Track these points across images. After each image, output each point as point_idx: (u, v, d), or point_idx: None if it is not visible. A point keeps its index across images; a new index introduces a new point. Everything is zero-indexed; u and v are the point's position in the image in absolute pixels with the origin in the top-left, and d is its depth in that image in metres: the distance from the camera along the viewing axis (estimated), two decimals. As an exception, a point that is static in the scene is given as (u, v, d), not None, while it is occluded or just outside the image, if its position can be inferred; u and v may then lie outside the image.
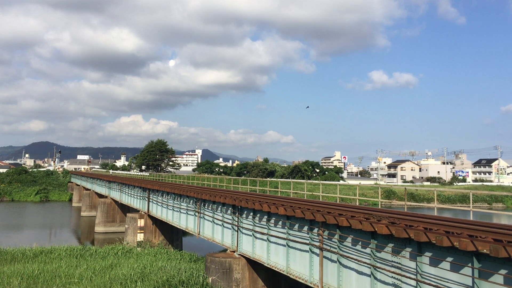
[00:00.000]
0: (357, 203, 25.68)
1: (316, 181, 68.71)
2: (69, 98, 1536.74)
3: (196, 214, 29.81)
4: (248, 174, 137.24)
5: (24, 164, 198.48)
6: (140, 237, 40.63)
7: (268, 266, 20.55)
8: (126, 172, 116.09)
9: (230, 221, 24.57)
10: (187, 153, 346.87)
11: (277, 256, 19.91)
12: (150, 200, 41.59)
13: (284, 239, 19.17)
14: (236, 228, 23.85)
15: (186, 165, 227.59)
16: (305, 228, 17.69)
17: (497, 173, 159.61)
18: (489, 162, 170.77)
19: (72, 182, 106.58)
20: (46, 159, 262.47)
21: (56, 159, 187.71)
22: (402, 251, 12.95)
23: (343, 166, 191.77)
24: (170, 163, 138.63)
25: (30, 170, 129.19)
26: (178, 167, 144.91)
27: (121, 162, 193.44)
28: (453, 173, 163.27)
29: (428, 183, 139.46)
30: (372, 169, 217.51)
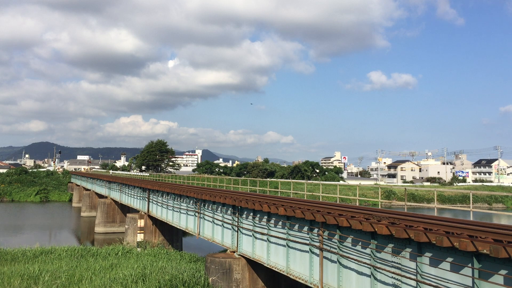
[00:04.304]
0: (357, 204, 25.73)
1: (316, 182, 68.74)
2: (68, 98, 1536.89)
3: (196, 214, 29.83)
4: (248, 175, 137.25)
5: (24, 164, 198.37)
6: (140, 237, 40.64)
7: (268, 266, 20.56)
8: (126, 173, 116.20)
9: (230, 222, 24.58)
10: (187, 153, 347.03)
11: (277, 257, 19.92)
12: (150, 200, 41.61)
13: (284, 239, 19.18)
14: (236, 229, 23.86)
15: (186, 165, 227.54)
16: (305, 228, 17.70)
17: (497, 174, 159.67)
18: (489, 162, 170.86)
19: (72, 183, 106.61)
20: (46, 160, 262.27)
21: (56, 160, 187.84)
22: (402, 252, 12.96)
23: (343, 167, 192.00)
24: (170, 163, 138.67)
25: (30, 170, 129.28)
26: (178, 168, 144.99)
27: (121, 162, 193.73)
28: (453, 173, 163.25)
29: (428, 184, 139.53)
30: (372, 169, 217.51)
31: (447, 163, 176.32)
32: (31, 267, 25.93)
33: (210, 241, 27.66)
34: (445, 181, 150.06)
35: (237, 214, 23.70)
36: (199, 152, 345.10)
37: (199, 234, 29.27)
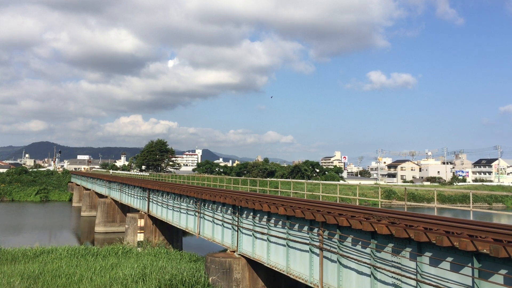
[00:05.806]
0: (357, 203, 25.70)
1: (316, 181, 68.72)
2: (68, 98, 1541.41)
3: (196, 214, 29.83)
4: (248, 174, 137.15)
5: (24, 164, 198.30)
6: (140, 237, 40.64)
7: (268, 266, 20.56)
8: (126, 172, 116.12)
9: (230, 221, 24.58)
10: (187, 153, 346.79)
11: (277, 256, 19.93)
12: (150, 200, 41.61)
13: (284, 239, 19.18)
14: (236, 228, 23.86)
15: (186, 165, 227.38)
16: (305, 228, 17.70)
17: (497, 173, 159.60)
18: (489, 162, 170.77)
19: (72, 182, 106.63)
20: (46, 159, 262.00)
21: (56, 159, 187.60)
22: (402, 251, 12.97)
23: (343, 166, 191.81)
24: (170, 163, 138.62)
25: (30, 170, 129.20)
26: (178, 167, 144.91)
27: (121, 162, 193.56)
28: (453, 173, 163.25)
29: (428, 183, 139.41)
30: (372, 169, 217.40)
31: (447, 163, 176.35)
32: (31, 267, 25.92)
33: (210, 241, 27.66)
34: (445, 180, 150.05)
35: (237, 214, 23.71)
36: (199, 152, 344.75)
37: (199, 234, 29.27)
